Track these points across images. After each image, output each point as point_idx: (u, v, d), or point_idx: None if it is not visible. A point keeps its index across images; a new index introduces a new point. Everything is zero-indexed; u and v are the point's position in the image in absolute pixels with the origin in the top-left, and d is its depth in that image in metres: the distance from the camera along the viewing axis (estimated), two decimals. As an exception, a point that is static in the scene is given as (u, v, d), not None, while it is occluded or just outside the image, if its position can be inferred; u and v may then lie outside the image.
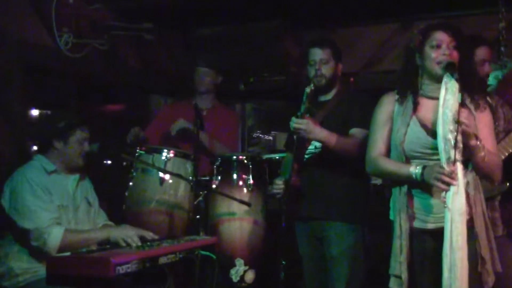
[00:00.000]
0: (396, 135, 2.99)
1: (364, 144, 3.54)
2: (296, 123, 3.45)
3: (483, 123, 2.94)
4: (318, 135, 3.49)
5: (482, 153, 2.83)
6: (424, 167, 2.85)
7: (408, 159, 2.96)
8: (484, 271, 2.87)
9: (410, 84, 3.01)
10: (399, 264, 2.95)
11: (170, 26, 5.90)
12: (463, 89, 2.82)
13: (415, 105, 2.97)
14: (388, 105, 3.08)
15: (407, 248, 2.94)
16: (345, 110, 3.68)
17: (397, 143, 2.97)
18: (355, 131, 3.61)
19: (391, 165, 3.01)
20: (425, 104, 2.95)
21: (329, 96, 3.80)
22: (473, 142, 2.80)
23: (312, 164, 3.68)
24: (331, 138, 3.50)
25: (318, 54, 3.75)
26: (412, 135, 2.94)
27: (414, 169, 2.88)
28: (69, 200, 3.56)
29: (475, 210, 2.89)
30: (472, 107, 2.92)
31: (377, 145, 3.08)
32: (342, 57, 3.86)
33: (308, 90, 3.54)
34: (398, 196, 3.01)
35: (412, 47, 3.00)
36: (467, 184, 2.87)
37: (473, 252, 2.84)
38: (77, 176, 3.66)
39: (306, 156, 3.70)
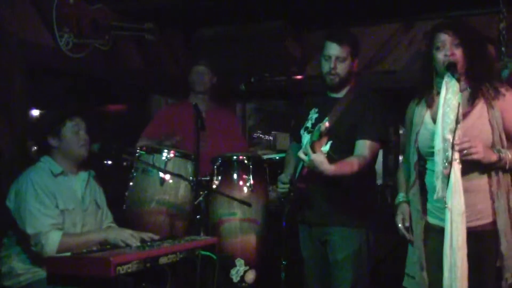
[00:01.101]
0: (412, 136, 3.07)
1: (371, 159, 3.49)
2: (308, 157, 3.17)
3: (503, 111, 2.93)
4: (324, 173, 3.21)
5: (507, 161, 2.86)
6: (398, 203, 3.20)
7: (421, 157, 3.01)
8: (503, 267, 2.86)
9: (427, 83, 3.05)
10: (412, 264, 3.02)
11: (172, 27, 5.90)
12: (479, 80, 2.90)
13: (429, 102, 3.01)
14: (409, 111, 3.17)
15: (420, 249, 2.98)
16: (356, 113, 3.53)
17: (412, 144, 3.04)
18: (363, 146, 3.46)
19: (399, 182, 3.28)
20: (438, 101, 2.97)
21: (340, 94, 3.64)
22: (493, 157, 2.83)
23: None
24: (338, 170, 3.26)
25: (335, 50, 3.53)
26: (425, 132, 2.97)
27: (398, 196, 3.23)
28: (76, 202, 3.56)
29: (498, 204, 2.89)
30: (491, 94, 2.93)
31: (406, 150, 3.24)
32: (359, 53, 3.68)
33: (323, 127, 3.08)
34: (412, 196, 3.07)
35: (424, 51, 3.06)
36: (490, 178, 2.90)
37: (493, 249, 2.86)
38: (85, 176, 3.66)
39: None
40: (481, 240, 2.81)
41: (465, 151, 2.74)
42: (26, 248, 3.39)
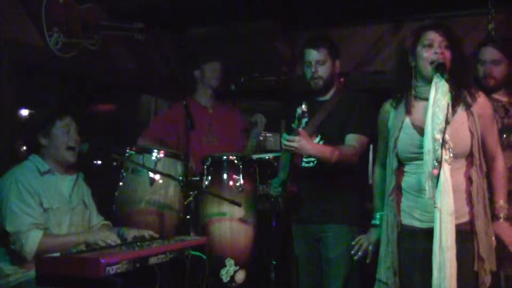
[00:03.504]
0: (390, 142, 3.06)
1: (360, 151, 3.54)
2: (287, 140, 3.36)
3: (482, 118, 2.97)
4: (310, 151, 3.43)
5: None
6: (374, 225, 3.26)
7: (401, 163, 3.00)
8: (482, 271, 2.90)
9: (403, 86, 3.04)
10: (386, 269, 3.02)
11: (162, 26, 5.89)
12: (459, 86, 2.91)
13: (408, 108, 3.00)
14: (385, 113, 3.17)
15: (394, 254, 2.99)
16: (344, 112, 3.64)
17: (391, 150, 3.05)
18: (351, 138, 3.57)
19: (374, 192, 3.32)
20: (418, 106, 2.98)
21: (327, 96, 3.74)
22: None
23: (309, 169, 3.66)
24: (325, 152, 3.45)
25: (313, 55, 3.67)
26: (405, 138, 2.97)
27: (376, 216, 3.27)
28: (62, 202, 3.55)
29: (476, 209, 2.91)
30: (470, 100, 2.96)
31: (380, 151, 3.27)
32: (339, 53, 3.78)
33: (299, 111, 3.35)
34: (391, 202, 3.06)
35: (405, 49, 3.04)
36: (471, 183, 2.92)
37: (471, 251, 2.89)
38: (73, 177, 3.66)
39: (304, 160, 3.69)
40: (459, 239, 2.80)
41: None
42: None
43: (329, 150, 3.46)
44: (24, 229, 3.31)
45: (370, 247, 3.25)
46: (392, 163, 3.03)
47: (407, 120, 2.99)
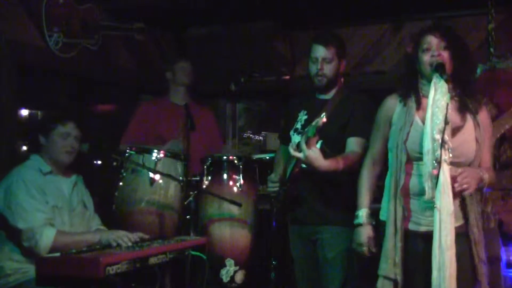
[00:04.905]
0: (398, 135, 3.01)
1: (362, 155, 3.50)
2: (303, 153, 3.19)
3: (484, 127, 2.98)
4: (320, 168, 3.25)
5: (486, 184, 2.94)
6: (358, 224, 3.18)
7: (409, 159, 2.98)
8: (483, 274, 2.90)
9: (412, 86, 3.05)
10: (393, 265, 2.95)
11: (162, 26, 5.89)
12: (463, 88, 2.93)
13: (418, 105, 3.00)
14: (389, 107, 3.13)
15: (402, 249, 2.95)
16: (345, 114, 3.57)
17: (400, 142, 2.99)
18: (353, 142, 3.50)
19: (360, 187, 3.23)
20: (426, 104, 2.97)
21: (329, 96, 3.68)
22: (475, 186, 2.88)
23: (306, 170, 3.62)
24: (332, 165, 3.31)
25: (321, 51, 3.59)
26: (415, 134, 2.95)
27: (359, 213, 3.17)
28: (64, 202, 3.56)
29: (471, 218, 2.92)
30: (473, 106, 2.96)
31: (374, 146, 3.22)
32: (346, 53, 3.71)
33: (320, 122, 3.07)
34: (393, 196, 3.02)
35: (410, 53, 3.06)
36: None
37: (470, 255, 2.89)
38: (73, 178, 3.67)
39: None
40: (457, 242, 2.80)
41: (458, 187, 2.79)
42: (16, 247, 3.38)
43: (336, 164, 3.36)
44: (37, 225, 3.31)
45: (364, 248, 3.19)
46: (401, 157, 2.99)
47: (417, 116, 2.98)
